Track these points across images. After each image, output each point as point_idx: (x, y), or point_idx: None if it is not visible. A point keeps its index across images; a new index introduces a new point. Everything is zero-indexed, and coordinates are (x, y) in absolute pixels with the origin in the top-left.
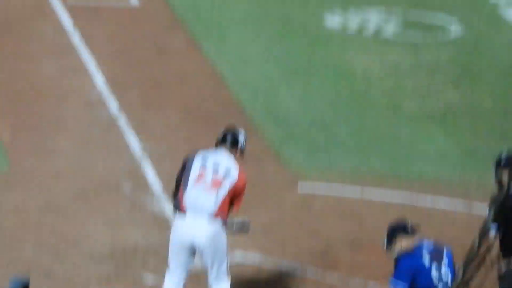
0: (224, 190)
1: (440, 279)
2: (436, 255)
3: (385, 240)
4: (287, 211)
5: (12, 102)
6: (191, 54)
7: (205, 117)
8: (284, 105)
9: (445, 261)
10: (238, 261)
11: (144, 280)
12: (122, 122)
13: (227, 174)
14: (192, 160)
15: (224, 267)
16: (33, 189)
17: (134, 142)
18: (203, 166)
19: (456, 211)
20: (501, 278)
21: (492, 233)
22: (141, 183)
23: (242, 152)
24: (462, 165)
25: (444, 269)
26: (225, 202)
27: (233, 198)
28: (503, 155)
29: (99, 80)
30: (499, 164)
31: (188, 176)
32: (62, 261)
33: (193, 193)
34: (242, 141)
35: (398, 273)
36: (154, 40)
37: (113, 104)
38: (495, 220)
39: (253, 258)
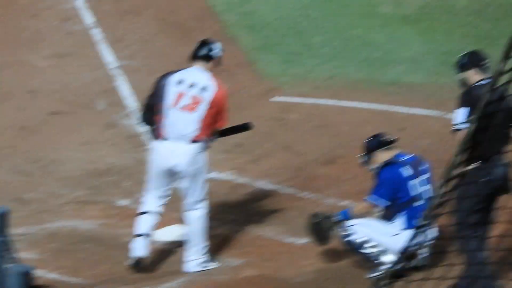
0: (203, 108)
1: (421, 191)
2: (416, 168)
3: (363, 155)
4: (262, 125)
5: None
6: None
7: (180, 27)
8: (259, 12)
9: (424, 174)
10: (213, 178)
11: (117, 203)
12: (97, 35)
13: (204, 91)
14: (166, 85)
15: (202, 191)
16: (8, 109)
17: (109, 56)
18: (179, 89)
19: (431, 118)
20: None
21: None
22: (115, 100)
23: (219, 63)
24: (436, 70)
25: (424, 182)
26: (206, 120)
27: (215, 114)
28: (466, 57)
29: None
30: (462, 66)
31: (163, 102)
32: (36, 186)
33: (171, 119)
34: (218, 53)
35: (377, 188)
36: None
37: (88, 18)
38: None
39: (228, 177)
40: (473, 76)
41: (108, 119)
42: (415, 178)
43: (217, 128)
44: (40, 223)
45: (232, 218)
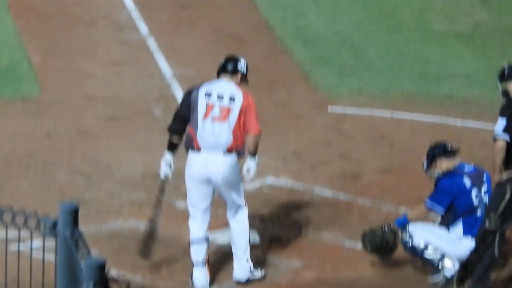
0: (234, 115)
1: (480, 201)
2: (476, 178)
3: (425, 161)
4: (318, 134)
5: (42, 27)
6: None
7: (234, 39)
8: (313, 26)
9: (485, 185)
10: (271, 184)
11: (176, 205)
12: (152, 45)
13: (232, 99)
14: (197, 97)
15: (240, 198)
16: (65, 114)
17: (164, 65)
18: (209, 101)
19: (486, 131)
20: (497, 185)
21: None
22: (171, 106)
23: (244, 79)
24: (490, 85)
25: (484, 192)
26: (238, 127)
27: (245, 120)
28: (506, 68)
29: (128, 3)
30: (503, 77)
31: (196, 114)
32: (95, 188)
33: (204, 130)
34: (243, 68)
35: (436, 195)
36: None
37: (143, 27)
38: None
39: (284, 183)
40: None
41: (164, 124)
42: (475, 188)
43: (250, 134)
44: (100, 223)
45: (291, 222)
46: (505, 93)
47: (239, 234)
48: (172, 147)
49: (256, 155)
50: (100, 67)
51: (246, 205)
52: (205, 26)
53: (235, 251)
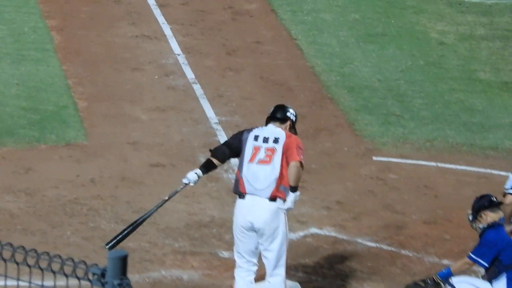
0: (278, 155)
1: None
2: None
3: (471, 214)
4: (362, 184)
5: (89, 71)
6: (267, 20)
7: (280, 86)
8: (359, 74)
9: None
10: (314, 233)
11: (219, 254)
12: (198, 91)
13: (276, 140)
14: (246, 139)
15: (281, 253)
16: (110, 160)
17: (209, 112)
18: (255, 143)
19: None
20: None
21: None
22: None
23: (293, 127)
24: None
25: None
26: (283, 167)
27: (287, 156)
28: None
29: (175, 48)
30: None
31: (243, 158)
32: (138, 236)
33: (250, 173)
34: (292, 116)
35: (481, 248)
36: (230, 4)
37: (189, 73)
38: None
39: (328, 233)
40: None
41: (210, 172)
42: None
43: (290, 164)
44: (143, 272)
45: (333, 273)
46: None
47: None
48: (206, 166)
49: (298, 191)
50: (145, 113)
51: (285, 269)
52: (251, 73)
53: None
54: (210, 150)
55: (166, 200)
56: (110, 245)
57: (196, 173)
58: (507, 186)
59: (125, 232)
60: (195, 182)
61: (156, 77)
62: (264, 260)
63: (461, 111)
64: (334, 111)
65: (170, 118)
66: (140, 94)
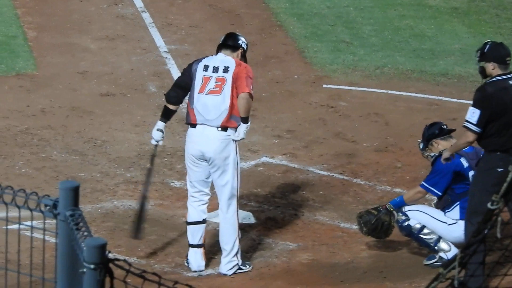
0: (228, 85)
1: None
2: (473, 159)
3: (421, 142)
4: (313, 112)
5: (36, 1)
6: None
7: (229, 14)
8: (308, 0)
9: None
10: (265, 162)
11: (170, 184)
12: (147, 19)
13: (226, 69)
14: (195, 70)
15: (232, 184)
16: (60, 90)
17: (158, 40)
18: (205, 73)
19: None
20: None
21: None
22: (166, 82)
23: (244, 56)
24: None
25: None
26: (234, 97)
27: (236, 86)
28: (488, 48)
29: None
30: (483, 55)
31: (193, 89)
32: (90, 166)
33: (200, 104)
34: (243, 45)
35: (433, 177)
36: None
37: (137, 2)
38: (474, 104)
39: (280, 161)
40: (491, 69)
41: (159, 101)
42: (472, 170)
43: (239, 93)
44: (95, 202)
45: (285, 202)
46: (482, 72)
47: (228, 230)
48: (165, 115)
49: (249, 121)
50: (94, 42)
51: (237, 199)
52: (199, 1)
53: (223, 245)
54: (164, 95)
55: (151, 168)
56: (139, 236)
57: (158, 129)
58: (472, 120)
59: (139, 217)
60: (163, 137)
61: (105, 6)
62: (216, 190)
63: (410, 38)
64: (283, 38)
65: (119, 47)
66: (89, 23)
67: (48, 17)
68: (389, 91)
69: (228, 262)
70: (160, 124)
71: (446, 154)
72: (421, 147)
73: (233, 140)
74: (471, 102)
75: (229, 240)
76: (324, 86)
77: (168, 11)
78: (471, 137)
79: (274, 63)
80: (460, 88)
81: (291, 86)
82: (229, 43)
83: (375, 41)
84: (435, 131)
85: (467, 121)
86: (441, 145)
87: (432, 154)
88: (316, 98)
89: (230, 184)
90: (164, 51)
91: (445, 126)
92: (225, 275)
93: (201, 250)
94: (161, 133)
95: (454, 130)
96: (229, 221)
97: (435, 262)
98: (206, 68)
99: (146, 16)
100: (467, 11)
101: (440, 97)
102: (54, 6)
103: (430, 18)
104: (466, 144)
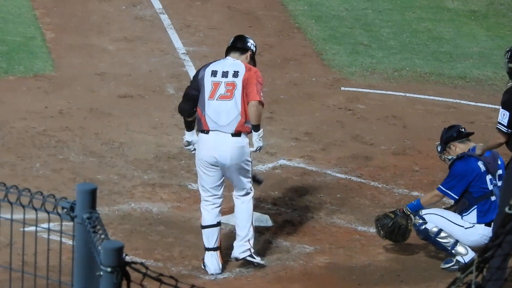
0: (239, 89)
1: (495, 186)
2: (491, 162)
3: (439, 145)
4: (331, 114)
5: (55, 1)
6: None
7: (247, 16)
8: (326, 3)
9: (498, 170)
10: (283, 165)
11: (188, 186)
12: (165, 21)
13: (236, 74)
14: (203, 77)
15: (248, 183)
16: (78, 91)
17: (177, 42)
18: (214, 79)
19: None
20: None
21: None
22: (184, 84)
23: (253, 58)
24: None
25: (498, 177)
26: (245, 102)
27: (246, 92)
28: None
29: None
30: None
31: (203, 95)
32: (108, 167)
33: (211, 110)
34: (252, 47)
35: (450, 180)
36: None
37: (156, 3)
38: (504, 106)
39: (297, 164)
40: None
41: (177, 103)
42: (489, 173)
43: (249, 101)
44: (112, 204)
45: (303, 205)
46: (510, 73)
47: (244, 216)
48: (187, 125)
49: (260, 128)
50: (113, 43)
51: (253, 190)
52: (218, 2)
53: (237, 231)
54: (178, 111)
55: None
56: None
57: (186, 141)
58: (503, 122)
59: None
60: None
61: (123, 7)
62: (232, 181)
63: (429, 40)
64: (302, 40)
65: (138, 48)
66: (107, 25)
67: (66, 18)
68: (407, 94)
69: (241, 245)
70: (188, 136)
71: (478, 152)
72: (439, 149)
73: (245, 146)
74: (490, 105)
75: (244, 226)
76: (342, 88)
77: (186, 13)
78: (502, 138)
79: (292, 65)
80: (478, 91)
81: (309, 88)
82: (237, 45)
83: (393, 43)
84: (453, 134)
85: (499, 123)
86: (459, 148)
87: (449, 157)
88: (334, 101)
89: (246, 180)
90: (183, 53)
91: (463, 129)
92: (236, 259)
93: (217, 253)
94: (191, 145)
95: (472, 133)
96: (245, 207)
97: (452, 265)
98: (214, 73)
99: (165, 18)
100: (486, 14)
101: (458, 100)
102: (73, 7)
103: (449, 21)
104: (497, 145)
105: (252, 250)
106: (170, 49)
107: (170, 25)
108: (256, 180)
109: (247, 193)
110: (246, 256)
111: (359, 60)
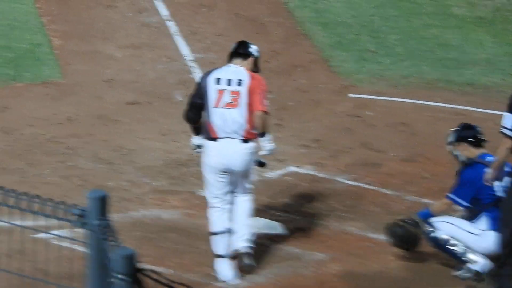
0: (244, 97)
1: (504, 191)
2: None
3: (453, 136)
4: (339, 121)
5: (61, 8)
6: None
7: (254, 22)
8: (333, 9)
9: (508, 177)
10: (292, 172)
11: (199, 193)
12: (172, 28)
13: (240, 82)
14: (206, 85)
15: (250, 185)
16: (86, 98)
17: (183, 49)
18: (218, 87)
19: None
20: None
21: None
22: (191, 91)
23: (256, 64)
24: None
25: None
26: (250, 112)
27: (250, 101)
28: None
29: None
30: None
31: (208, 104)
32: (117, 174)
33: (217, 118)
34: (255, 53)
35: (459, 187)
36: None
37: (163, 10)
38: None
39: (307, 171)
40: None
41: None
42: (497, 180)
43: (254, 111)
44: (122, 211)
45: (313, 212)
46: None
47: (242, 213)
48: (195, 131)
49: (266, 134)
50: (119, 50)
51: (253, 193)
52: (224, 9)
53: (237, 228)
54: (184, 118)
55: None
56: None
57: (193, 144)
58: (507, 125)
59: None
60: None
61: (130, 14)
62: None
63: (436, 47)
64: (309, 47)
65: (145, 55)
66: (114, 31)
67: (73, 25)
68: (415, 101)
69: (241, 236)
70: (196, 140)
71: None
72: (450, 138)
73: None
74: (498, 112)
75: (243, 223)
76: (350, 95)
77: (193, 20)
78: (508, 142)
79: (299, 72)
80: (486, 98)
81: (316, 95)
82: (240, 51)
83: (401, 50)
84: (469, 136)
85: (502, 126)
86: (468, 151)
87: (456, 153)
88: (342, 108)
89: (249, 183)
90: (190, 60)
91: (480, 136)
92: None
93: (227, 259)
94: (199, 148)
95: (487, 141)
96: (246, 204)
97: (464, 273)
98: (218, 81)
99: (171, 25)
100: (493, 20)
101: (466, 107)
102: (79, 14)
103: (456, 28)
104: (506, 151)
105: (252, 246)
106: (177, 56)
107: (177, 32)
108: (259, 163)
109: (249, 193)
110: (247, 250)
111: (366, 66)
